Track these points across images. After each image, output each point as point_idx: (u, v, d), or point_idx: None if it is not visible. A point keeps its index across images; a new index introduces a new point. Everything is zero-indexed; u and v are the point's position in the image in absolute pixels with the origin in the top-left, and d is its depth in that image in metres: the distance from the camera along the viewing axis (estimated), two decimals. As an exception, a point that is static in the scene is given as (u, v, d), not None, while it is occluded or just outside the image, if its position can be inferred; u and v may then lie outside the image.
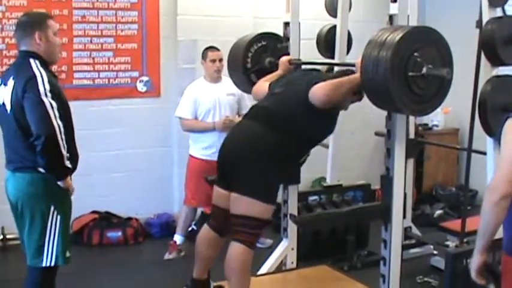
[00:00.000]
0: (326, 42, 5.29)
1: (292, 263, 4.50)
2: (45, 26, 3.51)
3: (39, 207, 3.47)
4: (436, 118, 7.11)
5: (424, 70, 3.18)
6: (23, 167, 3.47)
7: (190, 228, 5.85)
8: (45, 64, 3.48)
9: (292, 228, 4.40)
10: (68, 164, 3.41)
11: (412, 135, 5.41)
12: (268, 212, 3.56)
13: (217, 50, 5.50)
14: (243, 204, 3.50)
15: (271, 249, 4.82)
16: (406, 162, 3.70)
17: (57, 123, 3.32)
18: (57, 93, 3.39)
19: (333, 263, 4.81)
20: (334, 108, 3.61)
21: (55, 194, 3.48)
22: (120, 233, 5.96)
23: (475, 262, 2.60)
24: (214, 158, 5.35)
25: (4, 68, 5.67)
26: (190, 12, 6.20)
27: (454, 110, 6.88)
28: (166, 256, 5.53)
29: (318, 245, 5.13)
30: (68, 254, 3.56)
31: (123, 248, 5.87)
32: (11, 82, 3.44)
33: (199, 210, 5.88)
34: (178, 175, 6.21)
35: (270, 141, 3.52)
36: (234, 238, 3.57)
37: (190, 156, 5.61)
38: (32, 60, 3.43)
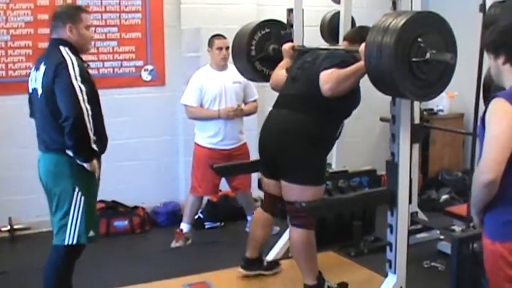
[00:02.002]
0: (330, 28, 5.28)
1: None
2: (78, 20, 3.69)
3: (64, 188, 3.61)
4: (441, 103, 7.08)
5: (428, 55, 3.18)
6: (52, 148, 3.63)
7: (196, 217, 5.88)
8: (75, 51, 3.64)
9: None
10: (94, 146, 3.56)
11: (417, 120, 5.41)
12: (320, 193, 3.75)
13: (224, 37, 5.50)
14: (294, 192, 3.66)
15: (278, 235, 4.84)
16: (411, 148, 3.70)
17: (85, 106, 3.48)
18: (86, 78, 3.56)
19: (339, 248, 4.83)
20: None
21: (80, 175, 3.61)
22: (126, 222, 5.98)
23: (475, 220, 2.77)
24: (220, 146, 5.49)
25: (9, 59, 5.71)
26: (194, 0, 6.19)
27: (459, 95, 6.86)
28: (173, 244, 5.56)
29: (324, 231, 5.14)
30: (91, 234, 3.69)
31: (130, 237, 5.90)
32: (42, 67, 3.61)
33: (205, 199, 5.90)
34: (184, 163, 6.22)
35: (303, 125, 3.64)
36: (292, 223, 3.77)
37: (196, 144, 5.62)
38: (61, 47, 3.60)
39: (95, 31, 5.89)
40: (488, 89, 3.81)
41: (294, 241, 3.80)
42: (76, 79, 3.48)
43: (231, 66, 5.18)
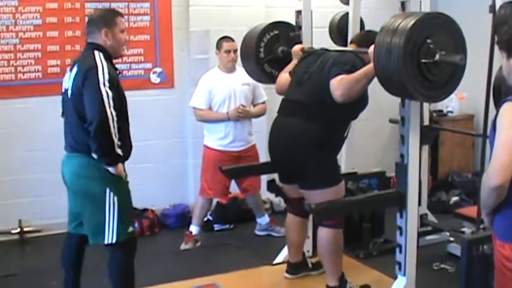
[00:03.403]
0: (338, 30, 5.27)
1: (308, 251, 4.51)
2: (113, 24, 3.78)
3: (96, 190, 3.65)
4: (451, 104, 7.06)
5: (437, 57, 3.16)
6: (78, 150, 3.68)
7: (206, 219, 5.88)
8: (109, 57, 3.71)
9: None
10: (119, 151, 3.61)
11: (426, 122, 5.39)
12: (342, 190, 3.80)
13: (232, 40, 5.50)
14: (316, 197, 3.65)
15: (286, 238, 4.83)
16: (420, 149, 3.69)
17: (110, 111, 3.52)
18: (115, 84, 3.61)
19: (348, 250, 4.80)
20: None
21: (109, 176, 3.65)
22: (136, 224, 5.95)
23: (486, 221, 2.76)
24: (230, 148, 5.49)
25: (18, 62, 5.73)
26: (202, 2, 6.19)
27: (469, 96, 6.82)
28: (183, 246, 5.55)
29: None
30: (130, 229, 3.77)
31: (140, 239, 5.73)
32: (75, 69, 3.68)
33: (214, 201, 5.90)
34: (193, 165, 6.22)
35: (312, 133, 3.62)
36: (321, 224, 3.83)
37: (206, 147, 5.62)
38: (96, 52, 3.67)
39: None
40: (499, 90, 3.80)
41: (321, 240, 3.84)
42: (104, 85, 3.52)
43: (240, 68, 5.18)
